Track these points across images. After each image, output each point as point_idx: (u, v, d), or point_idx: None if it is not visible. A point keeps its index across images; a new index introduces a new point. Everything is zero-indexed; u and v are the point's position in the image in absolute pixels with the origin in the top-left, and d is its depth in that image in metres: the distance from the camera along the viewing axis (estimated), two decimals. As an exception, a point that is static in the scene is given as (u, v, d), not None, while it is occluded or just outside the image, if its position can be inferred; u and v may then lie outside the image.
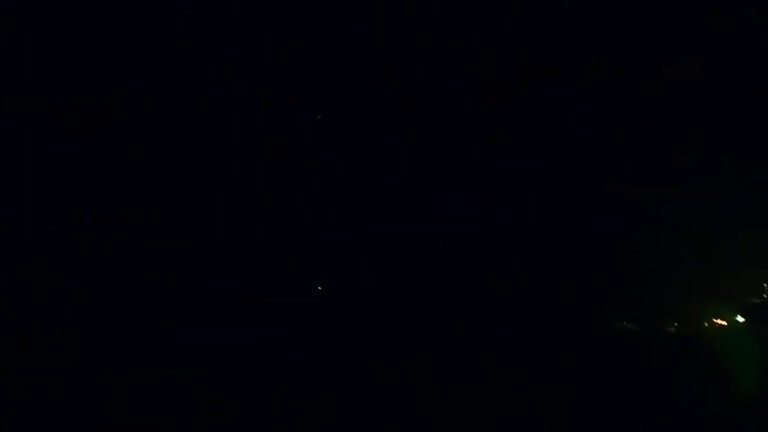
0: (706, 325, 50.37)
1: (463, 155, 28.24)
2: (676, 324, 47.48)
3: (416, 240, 28.11)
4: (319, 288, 26.90)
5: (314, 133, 24.36)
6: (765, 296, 54.09)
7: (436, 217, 29.00)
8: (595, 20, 29.17)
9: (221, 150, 23.07)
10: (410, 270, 27.07)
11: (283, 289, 24.58)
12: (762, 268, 48.74)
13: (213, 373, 22.28)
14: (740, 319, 50.66)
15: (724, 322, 50.87)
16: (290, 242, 24.70)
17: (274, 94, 23.42)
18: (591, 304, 35.12)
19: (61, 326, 22.85)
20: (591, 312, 35.08)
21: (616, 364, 25.33)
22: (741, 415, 20.40)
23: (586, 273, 35.02)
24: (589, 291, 35.15)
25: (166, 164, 23.07)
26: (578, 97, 32.48)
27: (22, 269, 23.05)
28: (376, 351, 24.74)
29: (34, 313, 22.85)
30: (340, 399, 22.21)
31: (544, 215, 33.79)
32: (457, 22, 24.69)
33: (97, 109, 22.24)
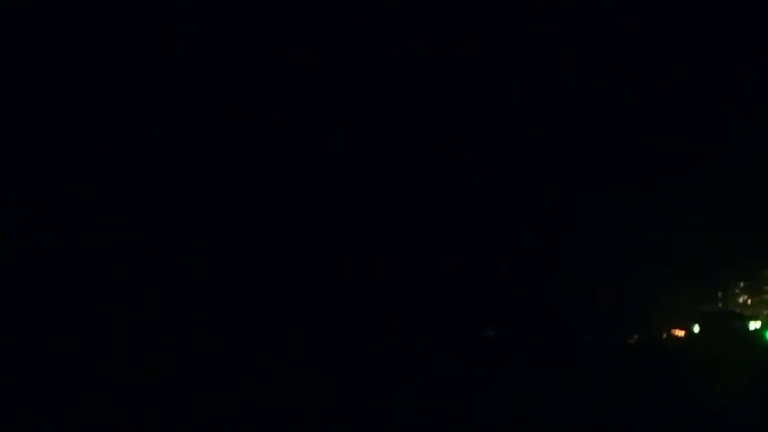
0: (665, 335, 51.95)
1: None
2: (635, 335, 48.91)
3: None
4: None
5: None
6: (720, 305, 55.89)
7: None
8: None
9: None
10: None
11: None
12: (717, 279, 50.54)
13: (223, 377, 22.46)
14: (697, 328, 52.30)
15: (682, 332, 52.46)
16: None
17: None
18: (557, 315, 36.04)
19: (62, 326, 22.94)
20: (557, 322, 36.01)
21: (578, 373, 26.16)
22: (699, 420, 21.25)
23: (556, 286, 35.93)
24: (557, 302, 36.05)
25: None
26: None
27: (24, 268, 23.10)
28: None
29: (36, 312, 22.90)
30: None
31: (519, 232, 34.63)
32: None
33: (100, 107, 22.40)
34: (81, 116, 22.97)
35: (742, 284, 58.87)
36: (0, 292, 22.71)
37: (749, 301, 58.99)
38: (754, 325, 51.63)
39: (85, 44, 23.28)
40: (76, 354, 22.93)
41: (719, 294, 56.70)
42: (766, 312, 56.62)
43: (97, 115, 23.05)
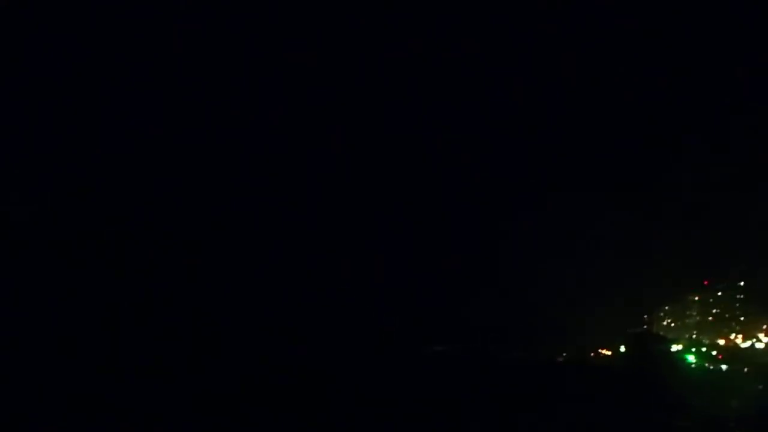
0: (592, 354, 53.72)
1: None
2: (564, 354, 50.48)
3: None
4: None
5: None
6: (645, 327, 57.59)
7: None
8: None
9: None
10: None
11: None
12: (643, 303, 52.03)
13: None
14: (623, 348, 54.05)
15: (608, 352, 54.27)
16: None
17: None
18: (487, 335, 36.80)
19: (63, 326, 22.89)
20: (486, 342, 36.78)
21: (508, 391, 26.71)
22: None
23: (485, 308, 36.67)
24: (486, 323, 36.78)
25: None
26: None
27: (24, 268, 23.01)
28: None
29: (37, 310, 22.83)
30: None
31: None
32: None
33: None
34: (81, 116, 22.93)
35: (666, 308, 61.22)
36: (0, 291, 22.68)
37: (672, 325, 61.10)
38: (676, 347, 54.11)
39: (85, 44, 23.24)
40: (76, 354, 22.93)
41: (645, 317, 59.33)
42: (687, 335, 58.71)
43: (97, 115, 23.01)
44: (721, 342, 57.97)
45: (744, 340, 57.92)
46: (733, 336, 58.35)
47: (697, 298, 61.14)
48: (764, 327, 56.75)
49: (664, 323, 60.87)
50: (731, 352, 56.26)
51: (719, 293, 60.31)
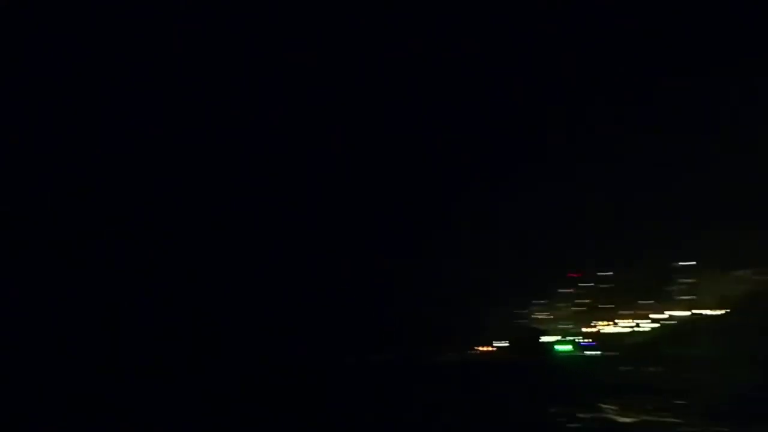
0: (471, 352, 57.05)
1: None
2: (447, 354, 53.05)
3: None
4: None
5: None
6: (523, 321, 61.99)
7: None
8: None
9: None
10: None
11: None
12: (521, 298, 55.75)
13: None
14: (504, 344, 57.96)
15: (489, 348, 57.80)
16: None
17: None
18: (363, 338, 38.43)
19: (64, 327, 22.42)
20: (365, 346, 38.33)
21: (389, 392, 28.27)
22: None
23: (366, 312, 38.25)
24: (364, 327, 38.40)
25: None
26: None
27: (24, 268, 22.32)
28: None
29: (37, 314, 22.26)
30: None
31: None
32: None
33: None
34: (81, 116, 22.76)
35: (541, 302, 66.00)
36: (0, 291, 22.10)
37: (546, 317, 65.77)
38: (553, 338, 58.97)
39: (85, 44, 23.09)
40: (76, 354, 22.63)
41: (519, 311, 63.99)
42: (560, 326, 63.63)
43: (97, 115, 22.89)
44: (592, 330, 62.08)
45: (610, 326, 62.21)
46: (601, 323, 62.50)
47: (566, 291, 64.94)
48: (628, 313, 61.21)
49: (539, 316, 64.83)
50: (601, 339, 60.61)
51: (585, 285, 64.40)
